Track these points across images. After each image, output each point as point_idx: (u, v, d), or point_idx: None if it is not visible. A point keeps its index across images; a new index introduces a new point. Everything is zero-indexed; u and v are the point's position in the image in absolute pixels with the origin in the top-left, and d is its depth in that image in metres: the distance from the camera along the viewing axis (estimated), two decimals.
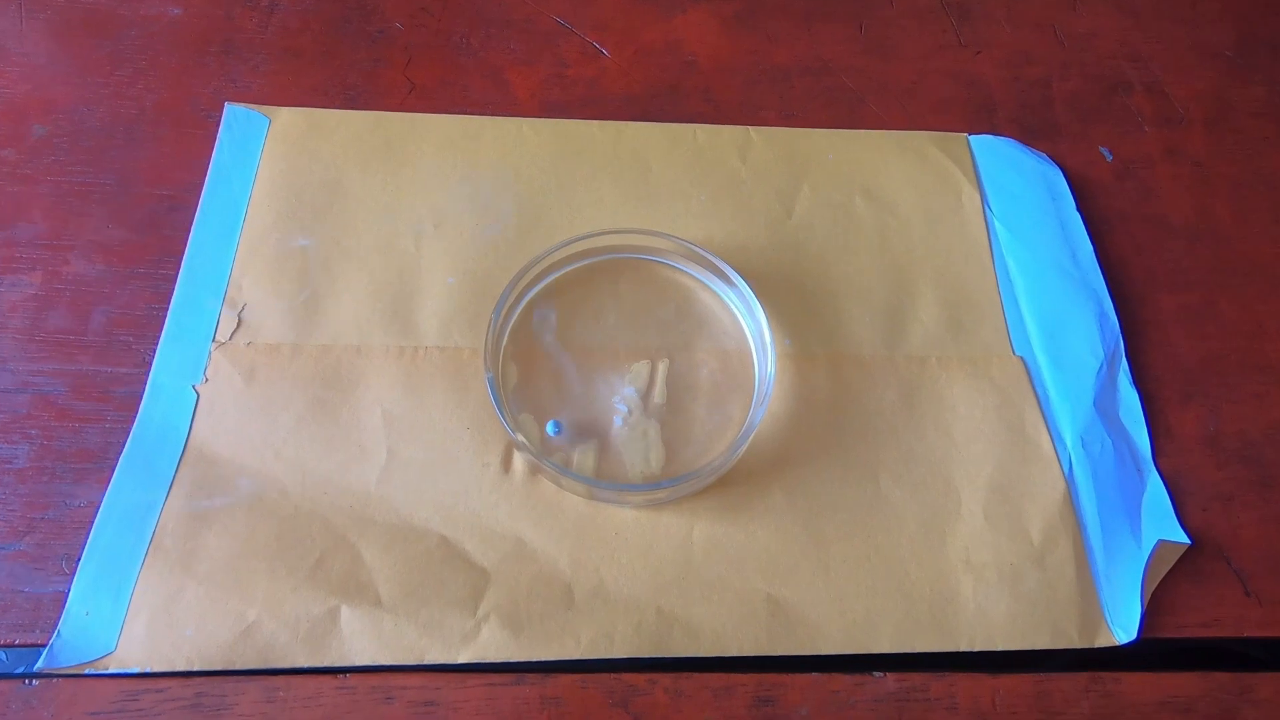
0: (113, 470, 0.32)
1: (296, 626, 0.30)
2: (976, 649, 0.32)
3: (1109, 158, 0.45)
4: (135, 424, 0.33)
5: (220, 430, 0.33)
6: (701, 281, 0.39)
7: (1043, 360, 0.38)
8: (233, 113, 0.41)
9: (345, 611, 0.30)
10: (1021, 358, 0.38)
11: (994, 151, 0.44)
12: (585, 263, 0.38)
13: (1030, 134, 0.45)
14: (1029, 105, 0.47)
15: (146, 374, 0.34)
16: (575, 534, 0.33)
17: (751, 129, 0.44)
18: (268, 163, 0.40)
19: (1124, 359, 0.38)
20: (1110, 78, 0.48)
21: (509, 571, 0.32)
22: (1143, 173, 0.45)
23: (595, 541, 0.32)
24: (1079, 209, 0.42)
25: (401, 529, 0.32)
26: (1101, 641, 0.32)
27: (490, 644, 0.30)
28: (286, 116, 0.41)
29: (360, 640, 0.30)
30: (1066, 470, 0.35)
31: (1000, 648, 0.32)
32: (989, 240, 0.41)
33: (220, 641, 0.29)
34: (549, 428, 0.34)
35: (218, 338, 0.35)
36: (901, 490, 0.34)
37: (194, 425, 0.33)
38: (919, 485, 0.35)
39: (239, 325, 0.36)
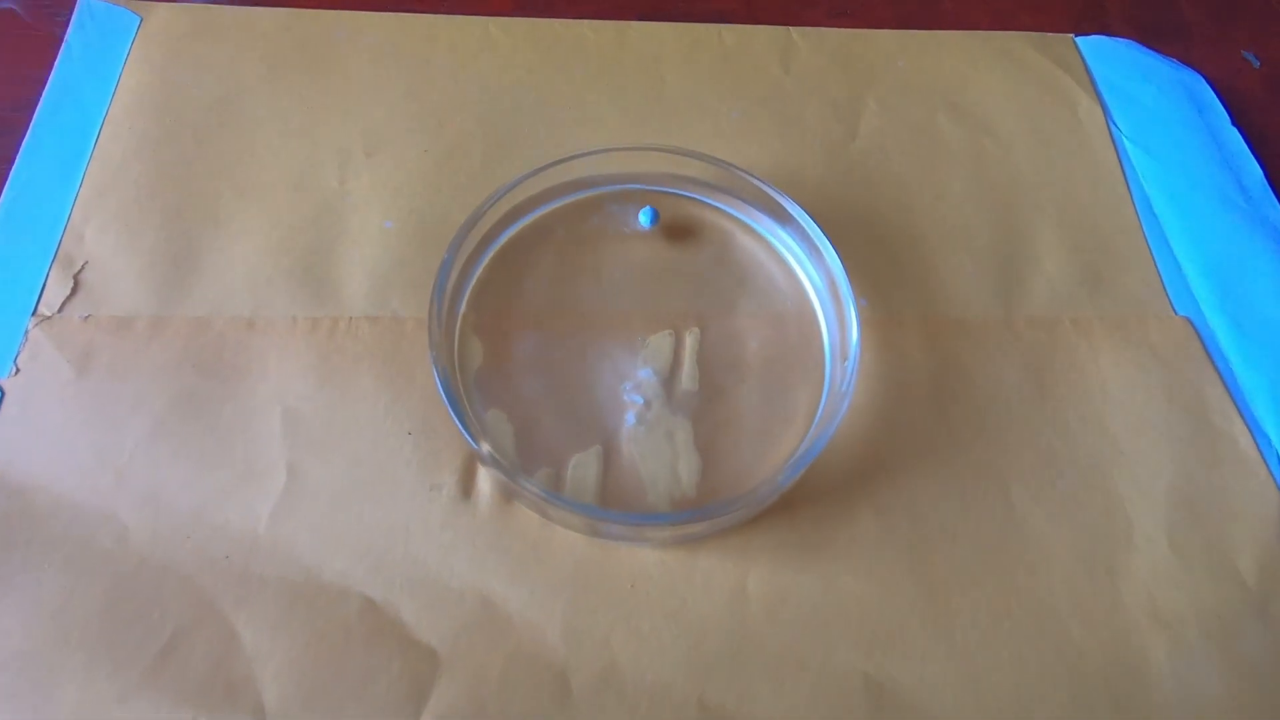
0: None
1: None
2: None
3: (1256, 64, 0.35)
4: None
5: (33, 444, 0.22)
6: (743, 221, 0.28)
7: (1216, 321, 0.27)
8: (88, 8, 0.30)
9: None
10: (1187, 318, 0.27)
11: (1112, 56, 0.33)
12: (580, 196, 0.27)
13: (1152, 36, 0.35)
14: (1145, 2, 0.36)
15: None
16: (572, 589, 0.22)
17: (794, 30, 0.33)
18: (134, 73, 0.29)
19: None
20: None
21: (470, 651, 0.20)
22: None
23: (602, 600, 0.21)
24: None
25: (304, 590, 0.21)
26: None
27: None
28: (164, 14, 0.30)
29: None
30: (1276, 474, 0.24)
31: None
32: (1120, 165, 0.31)
33: None
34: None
35: (40, 309, 0.24)
36: (1044, 509, 0.24)
37: None
38: (1069, 501, 0.24)
39: (74, 291, 0.25)
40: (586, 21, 0.32)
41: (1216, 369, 0.26)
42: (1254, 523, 0.24)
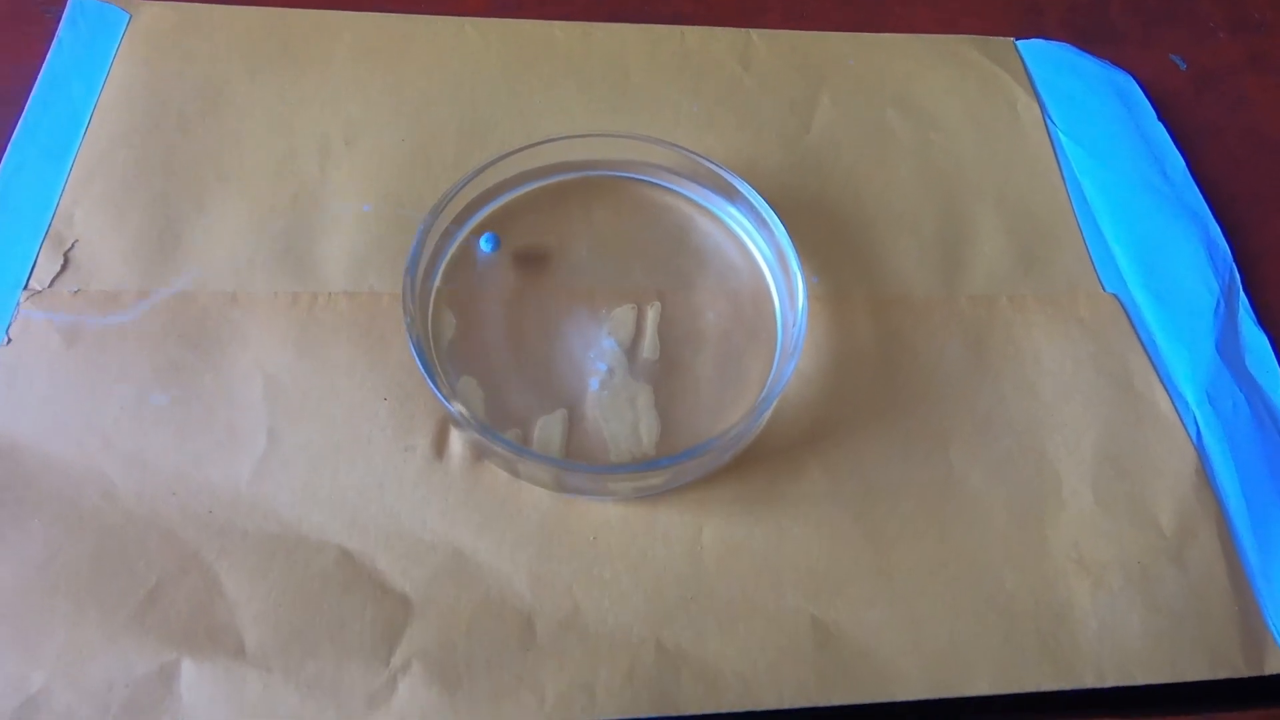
0: None
1: (108, 694, 0.19)
2: (1108, 685, 0.22)
3: (1183, 67, 0.37)
4: None
5: (23, 411, 0.23)
6: (700, 204, 0.29)
7: (1141, 297, 0.29)
8: (79, 6, 0.32)
9: (188, 667, 0.20)
10: (1114, 295, 0.29)
11: (1049, 57, 0.36)
12: (547, 182, 0.29)
13: (1086, 40, 0.37)
14: (1080, 8, 0.39)
15: None
16: (538, 540, 0.23)
17: (753, 31, 0.35)
18: (123, 66, 0.30)
19: (1242, 293, 0.30)
20: None
21: (441, 598, 0.22)
22: (1227, 82, 0.37)
23: (566, 551, 0.23)
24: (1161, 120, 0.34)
25: (283, 542, 0.22)
26: (1273, 666, 0.23)
27: (412, 707, 0.20)
28: (152, 11, 0.32)
29: (209, 710, 0.20)
30: (1194, 435, 0.26)
31: (1140, 681, 0.23)
32: (1055, 156, 0.33)
33: None
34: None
35: (31, 284, 0.25)
36: (981, 468, 0.25)
37: None
38: (1004, 461, 0.26)
39: (64, 267, 0.26)
40: (556, 22, 0.34)
41: (1140, 340, 0.28)
42: (1171, 478, 0.26)
